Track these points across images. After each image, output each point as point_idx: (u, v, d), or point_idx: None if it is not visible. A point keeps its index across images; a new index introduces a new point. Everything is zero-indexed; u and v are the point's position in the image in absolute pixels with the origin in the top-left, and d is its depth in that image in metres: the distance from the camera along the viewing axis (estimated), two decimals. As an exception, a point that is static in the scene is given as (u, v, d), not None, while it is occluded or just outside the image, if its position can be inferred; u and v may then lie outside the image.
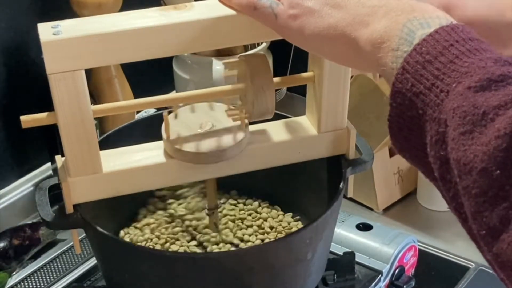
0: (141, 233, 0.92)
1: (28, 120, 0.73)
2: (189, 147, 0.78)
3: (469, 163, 0.46)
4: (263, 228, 0.93)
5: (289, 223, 0.94)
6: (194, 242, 0.91)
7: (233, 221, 0.94)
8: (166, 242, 0.90)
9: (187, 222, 0.93)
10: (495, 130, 0.45)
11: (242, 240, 0.91)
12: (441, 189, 0.51)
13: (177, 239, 0.91)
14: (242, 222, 0.94)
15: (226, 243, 0.90)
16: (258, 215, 0.95)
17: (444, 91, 0.49)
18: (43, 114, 0.73)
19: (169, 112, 0.81)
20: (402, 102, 0.52)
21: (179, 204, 0.96)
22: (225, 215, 0.95)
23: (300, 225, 0.94)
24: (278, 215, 0.96)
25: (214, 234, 0.91)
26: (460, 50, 0.50)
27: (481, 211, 0.45)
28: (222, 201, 0.96)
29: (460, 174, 0.46)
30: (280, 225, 0.94)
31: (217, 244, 0.90)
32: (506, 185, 0.44)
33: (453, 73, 0.50)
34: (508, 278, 0.45)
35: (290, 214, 0.95)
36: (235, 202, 0.98)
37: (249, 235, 0.92)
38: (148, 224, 0.93)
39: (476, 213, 0.45)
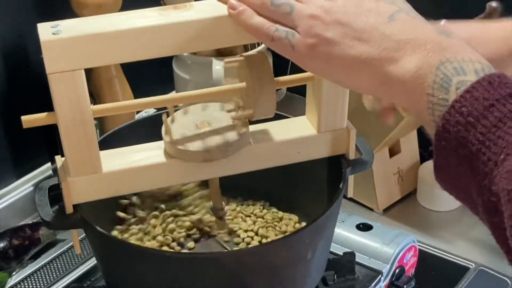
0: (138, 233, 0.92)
1: (29, 120, 0.73)
2: (191, 146, 0.78)
3: None
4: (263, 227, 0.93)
5: (287, 225, 0.94)
6: (195, 243, 0.91)
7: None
8: (164, 244, 0.90)
9: (188, 223, 0.93)
10: None
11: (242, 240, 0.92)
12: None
13: (178, 239, 0.91)
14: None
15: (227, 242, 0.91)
16: (258, 216, 0.95)
17: (492, 160, 0.49)
18: (43, 114, 0.73)
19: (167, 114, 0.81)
20: (446, 160, 0.52)
21: (183, 206, 0.96)
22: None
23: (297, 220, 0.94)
24: (278, 215, 0.96)
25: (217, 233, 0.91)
26: (502, 112, 0.50)
27: None
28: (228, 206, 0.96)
29: None
30: (280, 225, 0.94)
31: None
32: None
33: (498, 140, 0.49)
34: None
35: (290, 214, 0.95)
36: (234, 203, 0.98)
37: (250, 236, 0.92)
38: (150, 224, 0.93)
39: None
